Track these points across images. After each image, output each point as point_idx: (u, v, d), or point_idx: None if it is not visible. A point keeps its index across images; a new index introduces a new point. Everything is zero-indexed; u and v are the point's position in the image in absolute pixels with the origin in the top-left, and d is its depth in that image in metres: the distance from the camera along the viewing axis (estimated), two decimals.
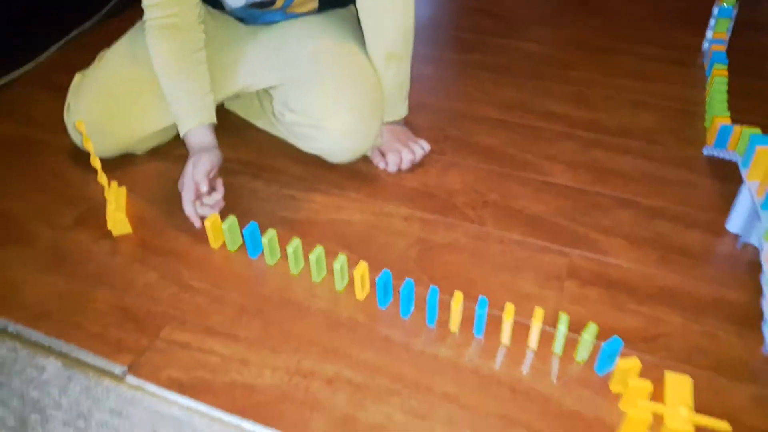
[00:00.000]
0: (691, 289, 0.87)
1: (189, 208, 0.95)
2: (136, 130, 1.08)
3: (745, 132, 0.95)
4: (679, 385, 0.73)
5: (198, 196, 0.96)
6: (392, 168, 1.09)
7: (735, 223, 0.94)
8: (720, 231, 0.96)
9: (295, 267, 0.91)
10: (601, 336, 0.80)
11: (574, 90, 1.30)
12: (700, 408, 0.72)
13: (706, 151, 1.11)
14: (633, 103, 1.26)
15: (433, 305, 0.82)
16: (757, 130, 0.94)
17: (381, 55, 1.05)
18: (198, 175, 0.94)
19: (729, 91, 1.20)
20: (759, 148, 0.87)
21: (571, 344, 0.80)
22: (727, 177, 1.05)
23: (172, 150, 1.14)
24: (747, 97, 1.25)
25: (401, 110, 1.12)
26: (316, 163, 1.09)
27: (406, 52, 1.07)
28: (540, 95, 1.30)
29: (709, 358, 0.78)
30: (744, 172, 0.91)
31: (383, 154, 1.10)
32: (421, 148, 1.10)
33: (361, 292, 0.87)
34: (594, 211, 1.01)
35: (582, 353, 0.78)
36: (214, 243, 0.95)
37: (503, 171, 1.10)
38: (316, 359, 0.79)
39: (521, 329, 0.82)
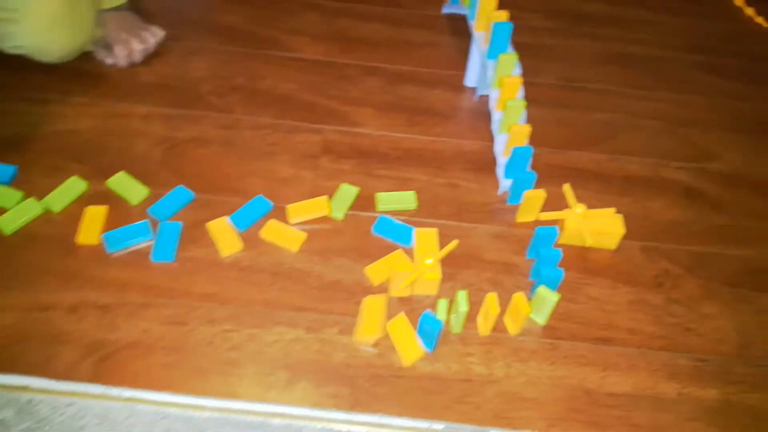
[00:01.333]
0: (435, 147, 0.91)
1: None
2: None
3: None
4: (426, 238, 0.77)
5: None
6: (122, 62, 0.96)
7: (471, 77, 0.99)
8: (460, 87, 1.01)
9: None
10: (360, 204, 0.82)
11: None
12: (449, 253, 0.77)
13: (444, 9, 1.13)
14: None
15: (177, 207, 0.77)
16: None
17: None
18: None
19: None
20: None
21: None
22: (465, 33, 1.09)
23: None
24: None
25: None
26: (25, 66, 0.92)
27: None
28: None
29: (452, 206, 0.83)
30: (471, 25, 0.93)
31: (108, 47, 0.97)
32: (152, 35, 0.99)
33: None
34: (343, 83, 0.99)
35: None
36: None
37: (248, 51, 1.03)
38: (55, 288, 0.71)
39: (281, 214, 0.80)
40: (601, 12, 1.18)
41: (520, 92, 0.85)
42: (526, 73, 0.93)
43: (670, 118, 0.98)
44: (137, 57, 0.97)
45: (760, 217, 0.85)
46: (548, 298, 0.70)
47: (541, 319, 0.73)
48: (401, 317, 0.70)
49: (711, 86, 1.04)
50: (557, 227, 0.76)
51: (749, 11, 1.21)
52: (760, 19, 1.19)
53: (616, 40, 1.11)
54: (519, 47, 0.94)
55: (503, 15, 0.85)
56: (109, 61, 0.97)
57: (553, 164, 0.89)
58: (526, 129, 0.81)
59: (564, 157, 0.91)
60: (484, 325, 0.71)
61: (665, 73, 1.05)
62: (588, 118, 0.97)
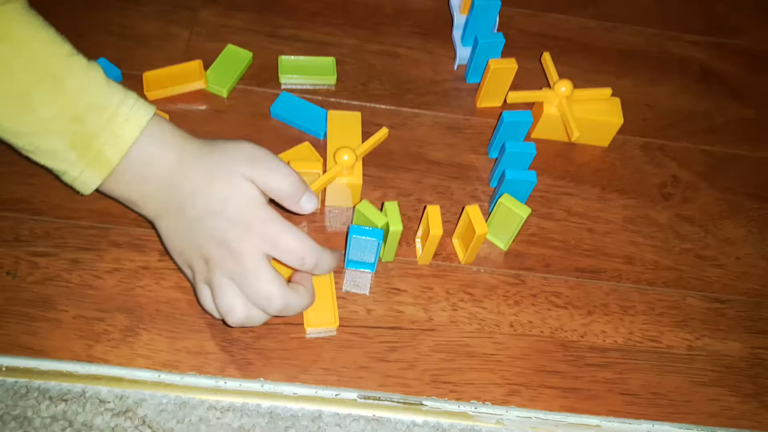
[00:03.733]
0: None
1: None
2: None
3: None
4: (345, 125, 0.54)
5: None
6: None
7: None
8: None
9: None
10: (253, 76, 0.57)
11: None
12: (383, 145, 0.54)
13: None
14: None
15: None
16: None
17: None
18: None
19: None
20: None
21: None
22: None
23: None
24: None
25: None
26: None
27: None
28: None
29: (388, 83, 0.59)
30: None
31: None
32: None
33: None
34: None
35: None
36: None
37: None
38: None
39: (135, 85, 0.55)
40: None
41: None
42: None
43: None
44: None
45: None
46: (514, 212, 0.48)
47: (503, 242, 0.51)
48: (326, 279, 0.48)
49: None
50: (531, 113, 0.53)
51: None
52: None
53: None
54: None
55: None
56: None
57: (529, 31, 0.65)
58: None
59: (543, 21, 0.66)
60: (423, 251, 0.49)
61: None
62: None
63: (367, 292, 0.48)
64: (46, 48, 0.39)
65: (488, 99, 0.58)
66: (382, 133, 0.51)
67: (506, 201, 0.49)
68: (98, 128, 0.39)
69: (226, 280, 0.40)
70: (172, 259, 0.44)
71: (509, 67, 0.55)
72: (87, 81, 0.39)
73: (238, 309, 0.40)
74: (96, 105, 0.39)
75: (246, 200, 0.40)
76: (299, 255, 0.40)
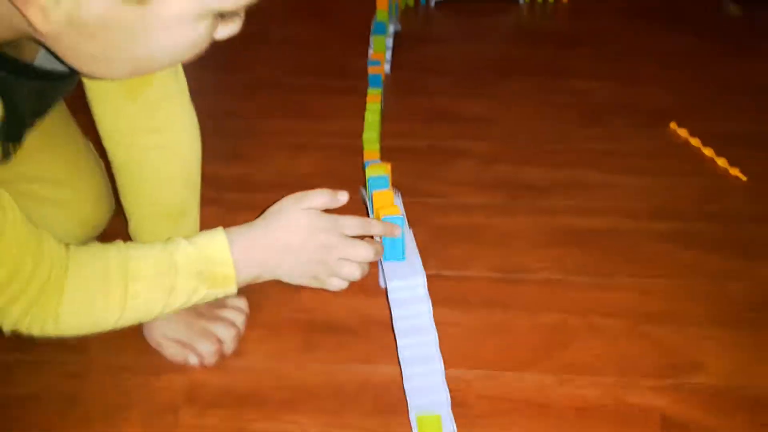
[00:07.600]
0: (335, 379, 0.70)
1: None
2: None
3: (370, 171, 0.81)
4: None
5: None
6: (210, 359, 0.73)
7: (384, 277, 0.81)
8: (374, 290, 0.82)
9: None
10: None
11: (223, 144, 1.11)
12: None
13: (362, 193, 0.98)
14: (292, 147, 1.11)
15: None
16: (385, 167, 0.80)
17: None
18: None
19: (384, 117, 1.11)
20: (375, 192, 0.74)
21: None
22: None
23: None
24: (409, 117, 1.18)
25: None
26: None
27: None
28: None
29: None
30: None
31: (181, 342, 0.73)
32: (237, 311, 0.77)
33: None
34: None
35: None
36: None
37: None
38: None
39: None
40: (544, 179, 1.01)
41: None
42: (453, 266, 0.76)
43: (633, 313, 0.77)
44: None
45: None
46: None
47: None
48: None
49: (683, 263, 0.84)
50: None
51: (721, 161, 1.05)
52: (735, 170, 1.03)
53: (563, 212, 0.94)
54: (446, 231, 0.78)
55: (395, 210, 0.69)
56: (192, 360, 0.72)
57: (486, 395, 0.68)
58: None
59: (499, 382, 0.69)
60: None
61: (625, 250, 0.86)
62: (530, 321, 0.77)
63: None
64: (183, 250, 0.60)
65: None
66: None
67: None
68: (212, 268, 0.60)
69: (340, 262, 0.64)
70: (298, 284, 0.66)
71: None
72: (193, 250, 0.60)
73: (354, 270, 0.65)
74: (205, 258, 0.59)
75: (311, 224, 0.63)
76: (356, 227, 0.65)
